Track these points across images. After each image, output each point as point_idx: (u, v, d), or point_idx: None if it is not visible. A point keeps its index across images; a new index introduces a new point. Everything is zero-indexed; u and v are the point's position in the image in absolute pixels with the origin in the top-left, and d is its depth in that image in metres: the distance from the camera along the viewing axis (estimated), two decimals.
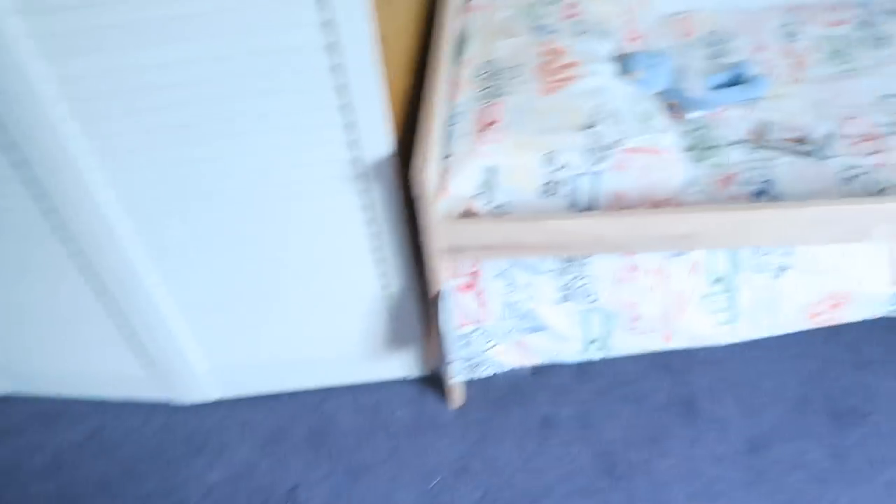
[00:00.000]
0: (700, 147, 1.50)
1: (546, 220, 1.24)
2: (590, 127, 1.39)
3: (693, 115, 1.57)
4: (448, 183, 1.34)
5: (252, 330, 1.55)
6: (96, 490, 1.55)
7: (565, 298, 1.34)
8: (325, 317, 1.52)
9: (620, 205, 1.35)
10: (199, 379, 1.63)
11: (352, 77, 1.11)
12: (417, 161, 1.18)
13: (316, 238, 1.37)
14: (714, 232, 1.23)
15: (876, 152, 1.41)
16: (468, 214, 1.32)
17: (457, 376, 1.46)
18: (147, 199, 1.28)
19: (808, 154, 1.43)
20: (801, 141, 1.46)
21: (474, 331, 1.39)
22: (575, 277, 1.32)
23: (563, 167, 1.35)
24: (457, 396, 1.60)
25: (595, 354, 1.43)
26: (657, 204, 1.34)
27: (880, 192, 1.32)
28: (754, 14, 1.89)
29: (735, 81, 1.66)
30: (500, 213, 1.32)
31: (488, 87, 1.52)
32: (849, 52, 1.69)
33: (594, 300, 1.34)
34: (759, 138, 1.50)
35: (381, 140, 1.21)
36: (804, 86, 1.63)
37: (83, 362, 1.62)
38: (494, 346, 1.42)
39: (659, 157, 1.37)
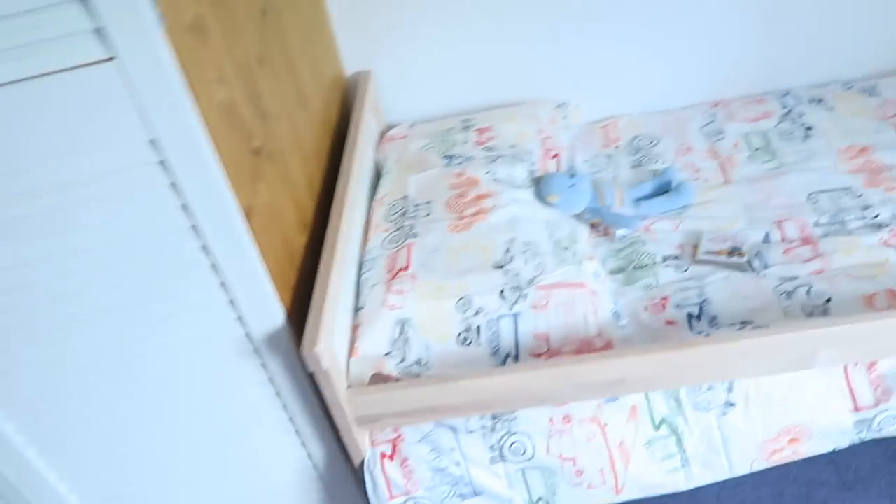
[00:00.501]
0: (630, 268, 1.42)
1: (462, 380, 1.13)
2: (504, 265, 1.30)
3: (621, 232, 1.49)
4: (357, 343, 1.24)
5: None
6: None
7: (497, 459, 1.21)
8: (257, 494, 1.37)
9: (545, 347, 1.24)
10: None
11: (220, 256, 1.01)
12: (309, 335, 1.08)
13: (231, 418, 1.25)
14: (646, 374, 1.12)
15: (814, 258, 1.33)
16: (379, 378, 1.20)
17: None
18: (30, 403, 1.16)
19: (742, 267, 1.34)
20: (734, 252, 1.37)
21: (406, 502, 1.24)
22: (505, 435, 1.20)
23: (478, 312, 1.25)
24: None
25: None
26: (584, 342, 1.23)
27: (825, 302, 1.22)
28: (676, 114, 1.86)
29: (661, 190, 1.59)
30: (417, 370, 1.21)
31: (400, 228, 1.44)
32: (774, 147, 1.65)
33: (530, 457, 1.20)
34: (691, 252, 1.41)
35: (269, 314, 1.10)
36: (733, 188, 1.56)
37: None
38: None
39: (581, 291, 1.27)
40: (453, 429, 1.21)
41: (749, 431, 1.17)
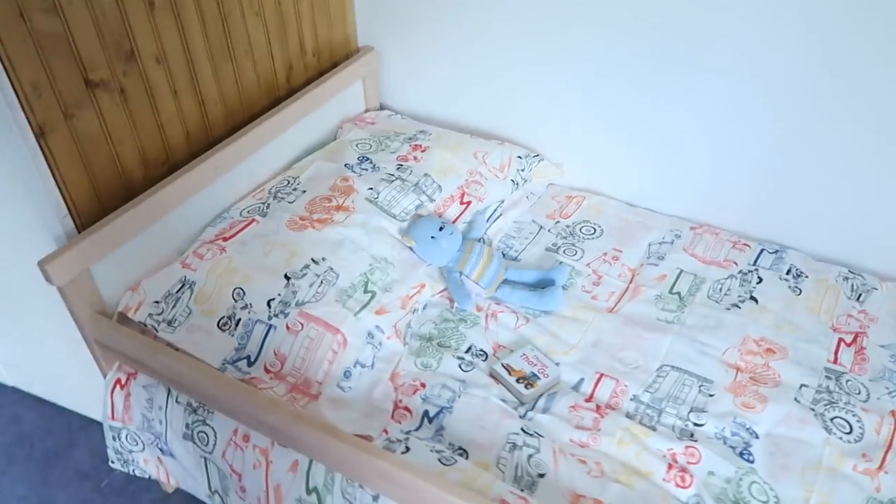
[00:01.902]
0: (434, 341, 1.36)
1: (164, 356, 1.20)
2: (293, 278, 1.32)
3: (465, 308, 1.42)
4: (142, 282, 1.35)
5: None
6: None
7: (188, 437, 1.28)
8: None
9: (278, 366, 1.26)
10: None
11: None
12: (56, 253, 1.20)
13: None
14: (309, 443, 1.11)
15: (588, 429, 1.18)
16: (124, 318, 1.31)
17: (113, 463, 1.44)
18: None
19: (521, 398, 1.24)
20: (526, 380, 1.26)
21: (122, 428, 1.37)
22: (199, 421, 1.26)
23: (247, 307, 1.30)
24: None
25: None
26: (304, 382, 1.24)
27: (538, 476, 1.11)
28: (646, 217, 1.67)
29: (541, 284, 1.47)
30: (164, 328, 1.29)
31: (264, 203, 1.50)
32: (690, 300, 1.44)
33: (210, 451, 1.26)
34: (498, 358, 1.32)
35: (51, 226, 1.24)
36: (607, 319, 1.41)
37: None
38: (139, 452, 1.38)
39: (333, 336, 1.26)
40: (169, 392, 1.29)
41: None
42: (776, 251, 1.56)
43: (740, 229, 1.62)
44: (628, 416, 1.22)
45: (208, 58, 1.44)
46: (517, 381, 1.27)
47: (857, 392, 1.25)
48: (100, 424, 1.52)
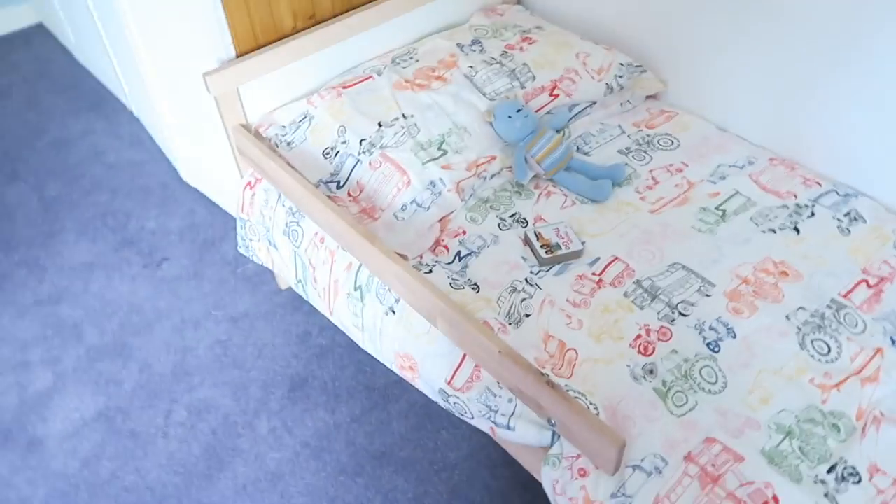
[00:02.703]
0: (487, 204, 1.60)
1: (284, 172, 1.56)
2: (385, 125, 1.62)
3: (520, 180, 1.64)
4: (277, 110, 1.73)
5: None
6: None
7: (286, 234, 1.66)
8: None
9: (357, 192, 1.59)
10: None
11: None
12: (217, 69, 1.59)
13: None
14: (349, 241, 1.43)
15: (583, 298, 1.39)
16: (258, 135, 1.69)
17: (239, 247, 1.89)
18: None
19: (541, 260, 1.46)
20: (549, 247, 1.48)
21: (247, 220, 1.80)
22: (294, 222, 1.63)
23: (346, 142, 1.63)
24: (281, 281, 2.02)
25: (301, 292, 1.73)
26: (371, 208, 1.55)
27: (524, 316, 1.35)
28: (732, 140, 1.74)
29: (598, 177, 1.64)
30: (283, 147, 1.67)
31: (383, 66, 1.80)
32: (733, 217, 1.53)
33: (299, 245, 1.64)
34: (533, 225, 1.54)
35: (222, 49, 1.63)
36: (648, 218, 1.56)
37: None
38: (256, 241, 1.81)
39: (400, 176, 1.55)
40: (278, 195, 1.68)
41: (392, 335, 1.43)
42: (847, 194, 1.57)
43: (823, 169, 1.63)
44: (625, 295, 1.39)
45: None
46: (541, 246, 1.48)
47: (853, 325, 1.31)
48: None
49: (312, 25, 1.75)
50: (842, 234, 1.48)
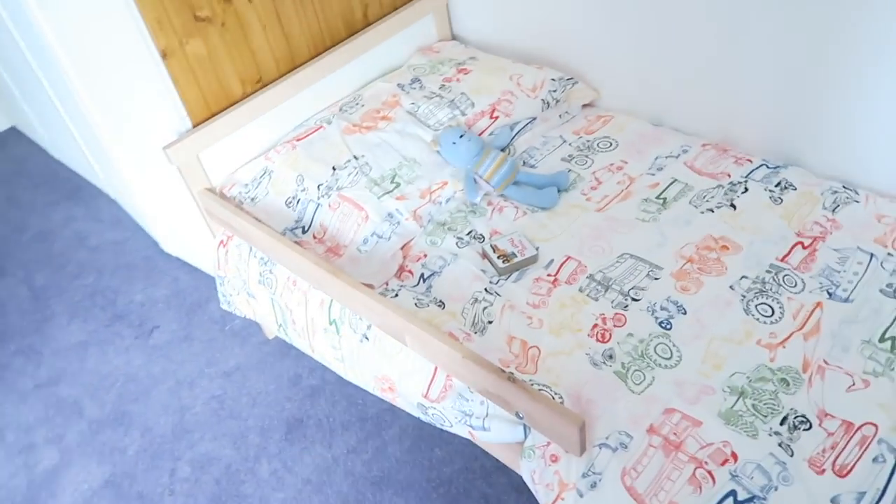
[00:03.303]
0: (445, 226, 1.70)
1: (243, 221, 1.66)
2: (338, 168, 1.73)
3: (474, 199, 1.74)
4: (237, 170, 1.84)
5: None
6: None
7: (261, 282, 1.75)
8: None
9: (322, 234, 1.69)
10: None
11: (139, 75, 1.67)
12: (176, 142, 1.71)
13: None
14: (318, 279, 1.52)
15: (541, 296, 1.48)
16: (222, 195, 1.80)
17: (221, 304, 1.98)
18: None
19: (499, 270, 1.55)
20: (506, 257, 1.57)
21: (224, 277, 1.89)
22: (268, 269, 1.72)
23: (304, 189, 1.73)
24: (268, 330, 2.10)
25: (283, 336, 1.82)
26: (335, 246, 1.65)
27: (488, 323, 1.43)
28: (666, 134, 1.85)
29: (545, 185, 1.75)
30: (248, 204, 1.77)
31: (332, 115, 1.91)
32: (673, 203, 1.63)
33: (274, 292, 1.72)
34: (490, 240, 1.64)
35: (178, 123, 1.75)
36: (593, 217, 1.65)
37: None
38: (236, 295, 1.90)
39: (358, 212, 1.65)
40: (250, 248, 1.77)
41: (370, 361, 1.51)
42: (776, 167, 1.67)
43: (753, 148, 1.74)
44: (580, 290, 1.48)
45: None
46: (498, 257, 1.57)
47: (792, 285, 1.39)
48: None
49: (260, 88, 1.87)
50: (774, 203, 1.58)
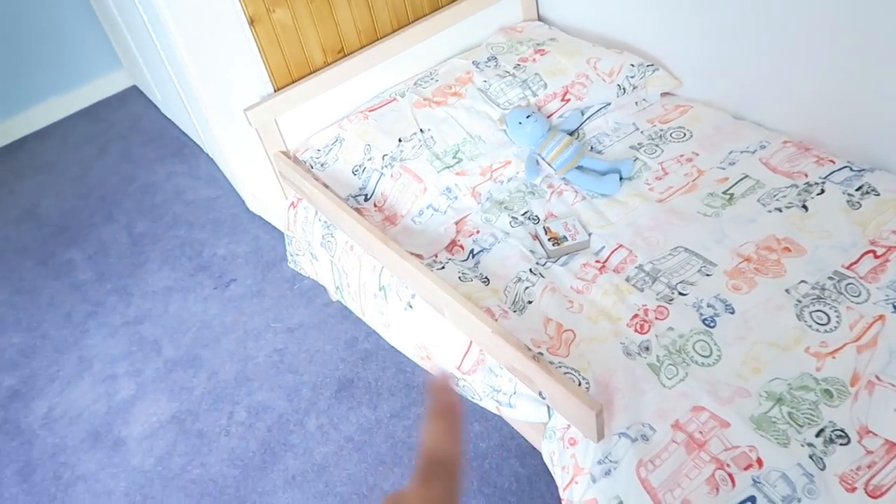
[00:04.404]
0: (503, 204, 1.71)
1: (305, 182, 1.75)
2: (403, 140, 1.77)
3: (533, 180, 1.74)
4: (312, 136, 1.93)
5: None
6: None
7: (323, 245, 1.84)
8: None
9: (382, 202, 1.74)
10: None
11: (227, 40, 1.78)
12: (257, 103, 1.81)
13: None
14: (370, 245, 1.58)
15: (587, 281, 1.47)
16: (295, 158, 1.89)
17: (288, 263, 2.09)
18: None
19: (549, 252, 1.55)
20: (557, 240, 1.57)
21: (292, 237, 1.99)
22: (329, 233, 1.80)
23: (370, 158, 1.79)
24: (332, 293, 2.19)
25: (339, 298, 1.89)
26: (392, 214, 1.70)
27: (528, 303, 1.44)
28: (745, 128, 1.77)
29: (608, 172, 1.72)
30: (317, 167, 1.86)
31: (407, 89, 1.96)
32: (741, 199, 1.56)
33: (333, 254, 1.80)
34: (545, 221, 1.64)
35: (261, 85, 1.85)
36: (656, 207, 1.61)
37: None
38: (301, 255, 2.00)
39: (417, 183, 1.69)
40: (315, 212, 1.86)
41: (412, 326, 1.55)
42: (861, 170, 1.56)
43: (838, 148, 1.63)
44: (626, 279, 1.45)
45: None
46: (549, 239, 1.57)
47: (855, 294, 1.31)
48: None
49: (341, 58, 1.94)
50: (852, 207, 1.48)
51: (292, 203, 1.94)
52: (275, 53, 1.83)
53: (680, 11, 1.83)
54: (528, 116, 1.76)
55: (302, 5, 1.80)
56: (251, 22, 1.74)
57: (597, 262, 1.50)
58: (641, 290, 1.41)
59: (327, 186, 1.77)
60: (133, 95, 3.57)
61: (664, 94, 1.97)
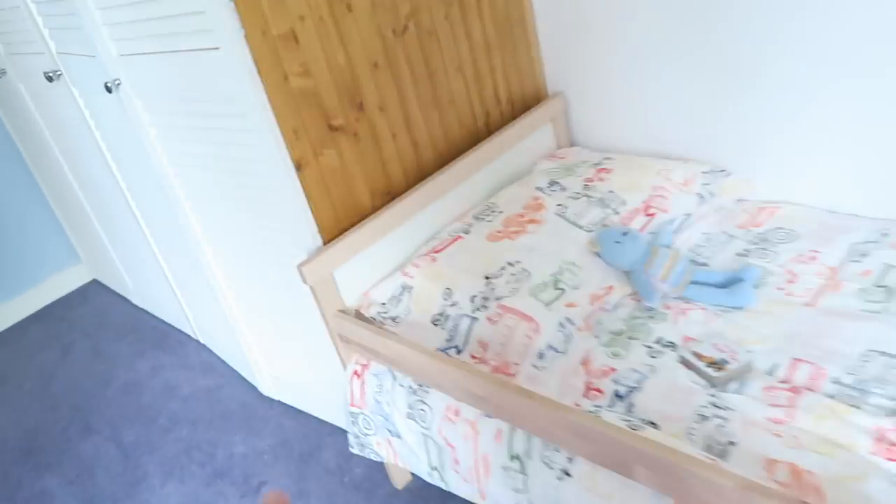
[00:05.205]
0: (623, 335, 1.46)
1: (395, 342, 1.44)
2: (492, 277, 1.52)
3: (651, 304, 1.51)
4: (372, 288, 1.65)
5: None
6: None
7: (410, 416, 1.49)
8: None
9: (481, 353, 1.45)
10: None
11: (272, 189, 1.54)
12: (309, 259, 1.53)
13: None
14: (498, 403, 1.27)
15: (784, 406, 1.20)
16: (360, 315, 1.59)
17: (351, 447, 1.70)
18: None
19: (712, 381, 1.29)
20: (715, 365, 1.32)
21: (359, 413, 1.63)
22: (419, 400, 1.47)
23: (454, 304, 1.52)
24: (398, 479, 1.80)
25: (437, 482, 1.52)
26: (503, 364, 1.41)
27: (727, 444, 1.15)
28: (845, 221, 1.63)
29: (728, 284, 1.52)
30: (390, 324, 1.56)
31: (468, 225, 1.75)
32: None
33: (428, 428, 1.46)
34: (686, 347, 1.39)
35: (307, 239, 1.58)
36: (805, 312, 1.41)
37: None
38: (373, 434, 1.63)
39: (526, 323, 1.42)
40: (394, 377, 1.54)
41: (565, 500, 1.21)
42: None
43: None
44: (830, 397, 1.20)
45: (419, 107, 1.75)
46: (707, 365, 1.31)
47: None
48: (342, 431, 1.81)
49: (389, 200, 1.72)
50: None
51: (356, 372, 1.61)
52: (323, 200, 1.59)
53: (731, 113, 1.75)
54: (623, 234, 1.57)
55: (347, 145, 1.60)
56: (298, 167, 1.52)
57: (781, 382, 1.25)
58: (858, 408, 1.16)
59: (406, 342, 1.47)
60: (94, 290, 3.20)
61: (738, 200, 1.84)
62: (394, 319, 1.56)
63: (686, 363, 1.35)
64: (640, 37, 1.81)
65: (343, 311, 1.60)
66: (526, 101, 2.06)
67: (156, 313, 2.84)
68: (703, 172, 1.78)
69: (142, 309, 2.93)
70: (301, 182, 1.53)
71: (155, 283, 2.55)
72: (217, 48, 1.39)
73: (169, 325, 2.77)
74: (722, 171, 1.81)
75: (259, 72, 1.39)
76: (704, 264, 1.62)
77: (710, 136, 1.83)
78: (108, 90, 1.76)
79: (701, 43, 1.71)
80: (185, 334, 2.67)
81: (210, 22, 1.36)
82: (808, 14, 1.52)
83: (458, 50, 1.80)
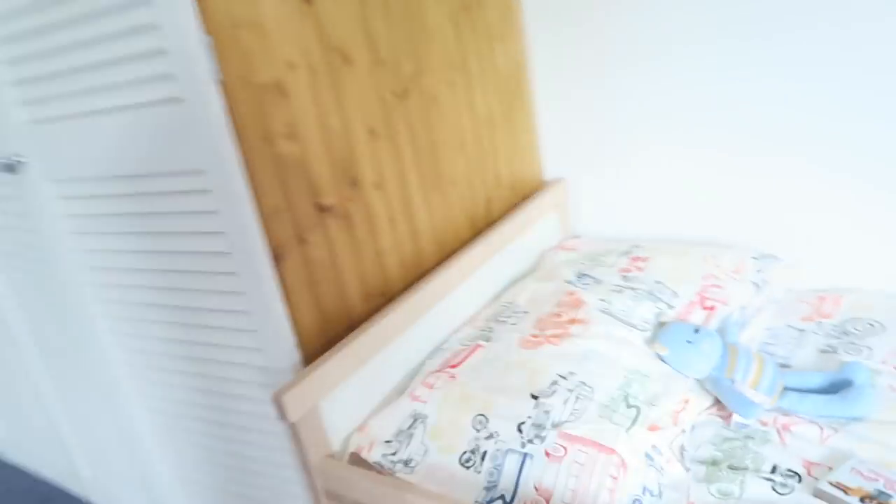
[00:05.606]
0: (724, 465, 1.09)
1: (405, 495, 1.01)
2: (542, 396, 1.13)
3: (737, 418, 1.16)
4: (369, 420, 1.21)
5: None
6: None
7: None
8: None
9: (544, 500, 1.03)
10: None
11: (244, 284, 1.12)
12: (288, 384, 1.10)
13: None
14: None
15: None
16: (358, 459, 1.15)
17: None
18: None
19: None
20: (872, 499, 0.96)
21: None
22: None
23: (491, 436, 1.11)
24: None
25: None
26: None
27: None
28: None
29: (831, 388, 1.20)
30: (400, 469, 1.12)
31: (484, 330, 1.37)
32: None
33: None
34: (817, 476, 1.03)
35: (281, 351, 1.16)
36: None
37: None
38: None
39: (606, 457, 1.03)
40: None
41: None
42: None
43: None
44: None
45: (421, 187, 1.41)
46: (861, 500, 0.96)
47: None
48: None
49: (384, 304, 1.34)
50: None
51: None
52: (303, 299, 1.18)
53: (770, 199, 1.54)
54: (696, 332, 1.24)
55: (338, 231, 1.23)
56: (276, 258, 1.12)
57: None
58: None
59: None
60: None
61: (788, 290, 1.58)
62: (406, 464, 1.12)
63: (827, 497, 0.99)
64: (646, 122, 1.63)
65: (332, 457, 1.16)
66: (525, 186, 1.78)
67: (34, 469, 2.21)
68: (754, 259, 1.52)
69: (13, 465, 2.29)
70: (280, 277, 1.12)
71: (36, 430, 1.98)
72: (180, 99, 1.02)
73: (52, 484, 2.14)
74: (772, 256, 1.55)
75: (236, 130, 1.02)
76: (787, 366, 1.31)
77: (744, 221, 1.59)
78: (10, 170, 1.33)
79: (723, 121, 1.51)
80: (72, 496, 2.06)
81: (174, 64, 0.99)
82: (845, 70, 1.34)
83: (460, 121, 1.51)
